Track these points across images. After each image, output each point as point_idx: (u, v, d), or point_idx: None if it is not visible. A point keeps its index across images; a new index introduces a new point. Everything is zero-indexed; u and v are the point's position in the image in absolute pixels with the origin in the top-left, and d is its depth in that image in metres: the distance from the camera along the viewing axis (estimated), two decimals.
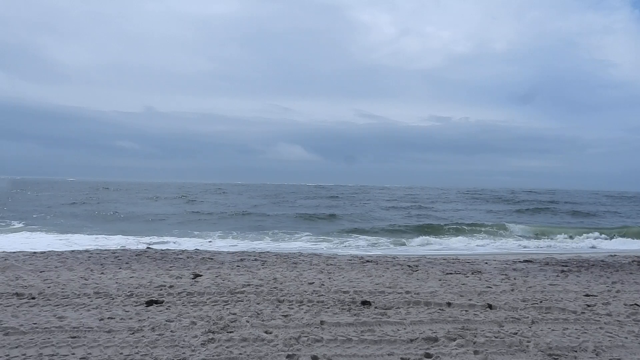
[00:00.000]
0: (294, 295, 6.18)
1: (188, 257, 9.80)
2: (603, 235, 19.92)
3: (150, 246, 12.75)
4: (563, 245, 17.35)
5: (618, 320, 5.38)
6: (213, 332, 4.56)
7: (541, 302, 6.18)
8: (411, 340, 4.49)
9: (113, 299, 5.87)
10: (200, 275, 7.56)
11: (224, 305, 5.67)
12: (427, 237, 17.82)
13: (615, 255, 12.43)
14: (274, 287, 6.68)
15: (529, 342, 4.49)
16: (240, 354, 4.05)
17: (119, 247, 12.37)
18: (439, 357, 4.12)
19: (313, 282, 7.15)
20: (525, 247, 16.21)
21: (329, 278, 7.58)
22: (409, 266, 9.18)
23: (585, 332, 4.89)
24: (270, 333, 4.60)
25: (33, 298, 5.81)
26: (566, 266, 9.81)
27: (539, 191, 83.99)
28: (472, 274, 8.46)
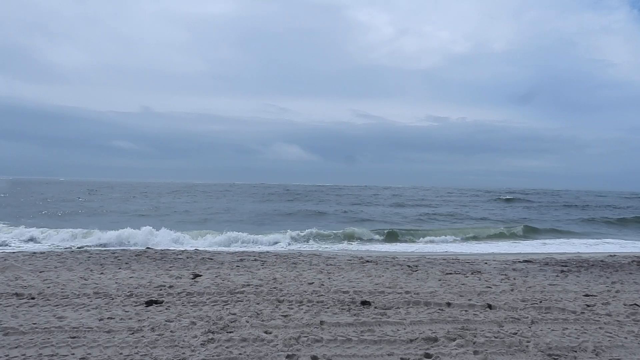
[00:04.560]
0: (293, 296, 6.18)
1: (188, 257, 9.80)
2: None
3: (149, 247, 12.75)
4: None
5: (618, 320, 5.38)
6: (213, 332, 4.56)
7: (541, 302, 6.18)
8: (411, 341, 4.49)
9: (113, 299, 5.86)
10: (200, 276, 7.56)
11: (224, 305, 5.67)
12: None
13: (614, 255, 12.44)
14: (274, 287, 6.68)
15: (528, 342, 4.49)
16: (240, 354, 4.05)
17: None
18: (438, 357, 4.12)
19: (313, 282, 7.15)
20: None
21: (329, 278, 7.58)
22: (409, 266, 9.19)
23: (585, 332, 4.90)
24: (270, 333, 4.60)
25: (33, 298, 5.81)
26: (566, 266, 9.82)
27: (547, 192, 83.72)
28: (472, 274, 8.46)
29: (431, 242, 17.24)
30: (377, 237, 17.79)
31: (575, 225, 26.31)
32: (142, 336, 4.43)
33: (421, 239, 17.79)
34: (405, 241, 17.41)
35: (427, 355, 4.15)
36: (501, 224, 23.87)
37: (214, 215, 25.99)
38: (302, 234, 17.15)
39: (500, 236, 19.81)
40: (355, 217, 26.63)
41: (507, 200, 49.06)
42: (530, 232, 21.41)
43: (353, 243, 16.25)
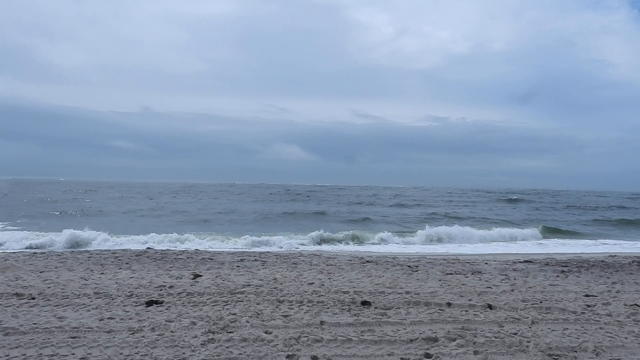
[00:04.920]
0: (294, 296, 6.18)
1: (188, 258, 9.80)
2: None
3: (149, 247, 12.75)
4: None
5: (618, 321, 5.38)
6: (213, 332, 4.56)
7: (541, 302, 6.18)
8: (411, 341, 4.50)
9: (113, 299, 5.87)
10: (200, 276, 7.56)
11: (224, 305, 5.68)
12: None
13: (615, 255, 12.43)
14: (274, 288, 6.68)
15: (529, 342, 4.49)
16: (240, 354, 4.05)
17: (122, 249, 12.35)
18: (438, 357, 4.12)
19: (313, 283, 7.16)
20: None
21: (329, 278, 7.59)
22: (409, 266, 9.19)
23: (585, 333, 4.90)
24: (270, 333, 4.60)
25: (33, 298, 5.81)
26: (566, 266, 9.81)
27: (548, 192, 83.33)
28: (472, 274, 8.46)
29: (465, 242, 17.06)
30: (411, 238, 17.39)
31: (594, 226, 25.78)
32: (143, 336, 4.43)
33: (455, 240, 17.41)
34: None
35: (427, 355, 4.15)
36: (515, 226, 23.34)
37: (218, 215, 25.94)
38: (313, 234, 16.60)
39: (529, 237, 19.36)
40: (362, 217, 26.22)
41: (514, 200, 48.14)
42: (553, 234, 20.98)
43: (362, 243, 16.13)
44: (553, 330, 4.97)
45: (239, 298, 6.03)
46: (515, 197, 52.18)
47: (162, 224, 20.99)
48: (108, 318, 5.00)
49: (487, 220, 26.71)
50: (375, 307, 5.70)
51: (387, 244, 16.31)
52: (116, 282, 6.88)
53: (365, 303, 5.85)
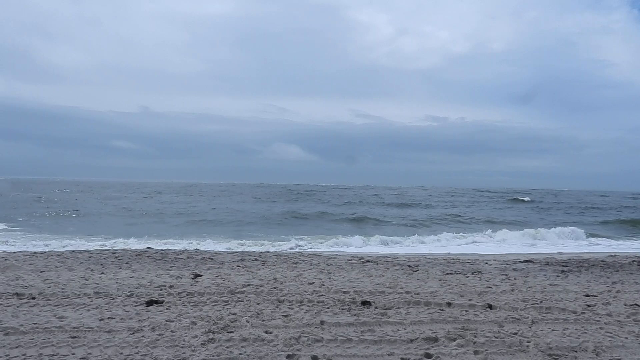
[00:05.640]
0: (294, 295, 6.18)
1: (188, 257, 9.80)
2: None
3: (150, 246, 12.75)
4: None
5: (618, 321, 5.38)
6: (213, 332, 4.56)
7: (541, 302, 6.18)
8: (411, 340, 4.49)
9: (113, 299, 5.87)
10: (201, 275, 7.56)
11: (224, 305, 5.68)
12: None
13: (615, 255, 12.43)
14: (274, 287, 6.68)
15: (529, 342, 4.49)
16: (241, 354, 4.05)
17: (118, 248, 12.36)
18: (439, 357, 4.12)
19: (313, 282, 7.16)
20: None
21: (329, 278, 7.59)
22: (409, 266, 9.19)
23: (586, 332, 4.89)
24: (271, 333, 4.60)
25: (33, 298, 5.82)
26: (566, 266, 9.81)
27: (551, 192, 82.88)
28: (472, 274, 8.46)
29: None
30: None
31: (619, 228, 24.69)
32: (143, 336, 4.43)
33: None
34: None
35: (428, 355, 4.15)
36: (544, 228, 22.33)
37: (220, 215, 25.85)
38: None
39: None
40: (372, 218, 25.72)
41: (521, 201, 46.94)
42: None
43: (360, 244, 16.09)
44: (553, 330, 4.97)
45: (239, 298, 6.03)
46: (527, 199, 49.75)
47: (164, 225, 20.98)
48: (108, 318, 5.00)
49: (501, 222, 25.24)
50: (376, 307, 5.70)
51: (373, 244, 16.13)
52: (116, 282, 6.88)
53: (365, 303, 5.85)
